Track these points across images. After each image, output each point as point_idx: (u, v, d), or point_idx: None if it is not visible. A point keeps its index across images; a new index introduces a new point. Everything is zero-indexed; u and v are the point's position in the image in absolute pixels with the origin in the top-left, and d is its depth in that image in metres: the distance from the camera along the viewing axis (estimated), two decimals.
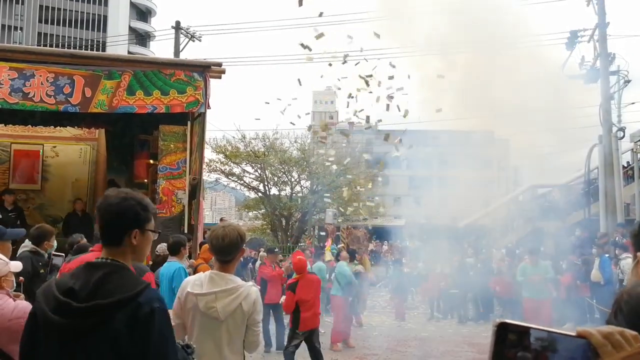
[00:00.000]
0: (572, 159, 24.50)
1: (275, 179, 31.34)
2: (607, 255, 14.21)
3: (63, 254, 4.72)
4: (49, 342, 2.37)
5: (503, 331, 1.05)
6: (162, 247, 8.61)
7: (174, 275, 6.89)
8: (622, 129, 20.91)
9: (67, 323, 2.30)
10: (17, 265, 4.06)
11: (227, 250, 3.68)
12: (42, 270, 5.20)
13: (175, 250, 7.49)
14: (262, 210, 32.64)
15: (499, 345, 1.04)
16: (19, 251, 6.09)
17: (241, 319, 3.62)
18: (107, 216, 2.57)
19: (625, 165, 23.22)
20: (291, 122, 29.78)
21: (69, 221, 11.76)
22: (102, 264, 2.48)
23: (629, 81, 21.38)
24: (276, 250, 14.00)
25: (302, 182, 32.05)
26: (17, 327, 3.54)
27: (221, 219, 22.84)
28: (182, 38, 26.78)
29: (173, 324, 3.74)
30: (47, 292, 2.41)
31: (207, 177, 28.69)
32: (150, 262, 8.09)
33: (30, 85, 9.72)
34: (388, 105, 16.60)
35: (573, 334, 1.06)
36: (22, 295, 4.54)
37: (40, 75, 9.79)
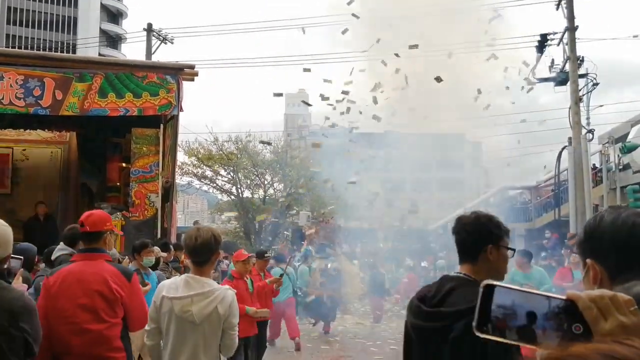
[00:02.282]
0: (542, 161, 24.91)
1: (248, 181, 31.24)
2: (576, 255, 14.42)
3: (21, 257, 4.59)
4: (414, 340, 2.69)
5: (489, 293, 1.06)
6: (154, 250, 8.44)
7: None
8: (591, 131, 21.27)
9: (416, 324, 2.64)
10: None
11: (200, 251, 3.68)
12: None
13: (135, 253, 7.14)
14: (235, 214, 32.50)
15: (484, 306, 1.06)
16: (56, 254, 5.96)
17: (217, 322, 3.61)
18: (463, 235, 2.76)
19: (594, 167, 23.60)
20: (261, 142, 29.44)
21: (30, 226, 11.16)
22: (456, 277, 2.71)
23: (597, 84, 21.74)
24: (267, 254, 10.27)
25: (276, 184, 32.00)
26: None
27: (195, 222, 22.73)
28: (154, 40, 26.59)
29: (148, 328, 3.74)
30: (411, 299, 2.75)
31: (180, 180, 28.50)
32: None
33: None
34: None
35: (562, 297, 1.04)
36: None
37: (10, 78, 9.66)
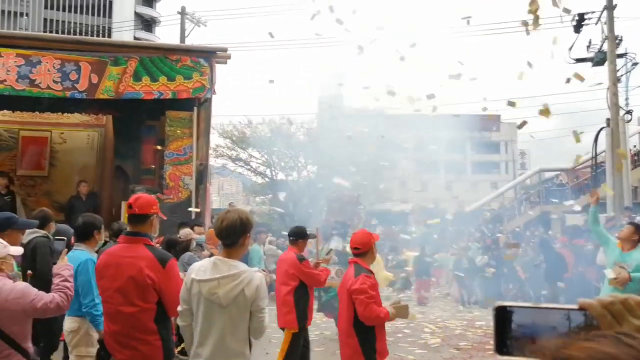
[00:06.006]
0: (579, 143, 24.45)
1: (282, 164, 31.36)
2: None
3: (65, 238, 4.81)
4: None
5: (502, 314, 1.05)
6: (185, 232, 8.33)
7: (79, 270, 5.12)
8: (630, 112, 20.83)
9: None
10: (17, 250, 4.17)
11: (225, 233, 3.70)
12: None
13: (85, 234, 5.55)
14: (270, 195, 32.70)
15: (500, 328, 1.05)
16: (29, 237, 6.09)
17: (244, 305, 3.62)
18: None
19: (633, 148, 23.12)
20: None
21: (72, 205, 11.39)
22: None
23: (636, 64, 21.24)
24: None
25: (309, 166, 32.03)
26: (15, 306, 3.65)
27: (230, 204, 22.91)
28: (187, 23, 26.75)
29: (180, 309, 3.80)
30: None
31: (214, 162, 28.74)
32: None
33: (37, 72, 9.78)
34: None
35: (575, 306, 1.03)
36: (19, 279, 4.71)
37: (47, 62, 9.84)
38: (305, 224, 10.08)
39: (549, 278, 14.27)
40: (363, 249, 5.18)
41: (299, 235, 7.29)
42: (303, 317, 6.82)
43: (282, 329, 6.94)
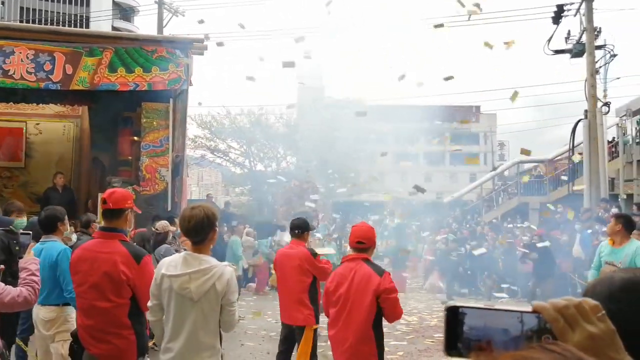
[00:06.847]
0: (557, 134, 24.65)
1: (261, 154, 31.26)
2: (589, 230, 14.28)
3: (30, 232, 4.72)
4: None
5: (454, 314, 1.03)
6: (162, 224, 8.34)
7: (59, 259, 5.31)
8: (607, 104, 20.98)
9: None
10: None
11: (193, 231, 3.70)
12: (17, 248, 5.03)
13: (50, 227, 5.53)
14: (248, 186, 32.61)
15: (451, 329, 1.02)
16: None
17: (215, 299, 3.63)
18: None
19: (610, 140, 23.33)
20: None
21: (48, 197, 11.26)
22: None
23: (614, 56, 21.38)
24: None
25: (288, 157, 31.97)
26: None
27: (207, 195, 22.82)
28: (165, 13, 26.45)
29: (150, 304, 3.79)
30: None
31: (193, 153, 28.61)
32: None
33: (10, 63, 9.66)
34: None
35: (528, 309, 1.00)
36: None
37: (20, 52, 9.72)
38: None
39: (537, 274, 14.08)
40: (368, 244, 4.87)
41: (304, 228, 7.03)
42: (318, 312, 6.77)
43: (302, 327, 6.65)
